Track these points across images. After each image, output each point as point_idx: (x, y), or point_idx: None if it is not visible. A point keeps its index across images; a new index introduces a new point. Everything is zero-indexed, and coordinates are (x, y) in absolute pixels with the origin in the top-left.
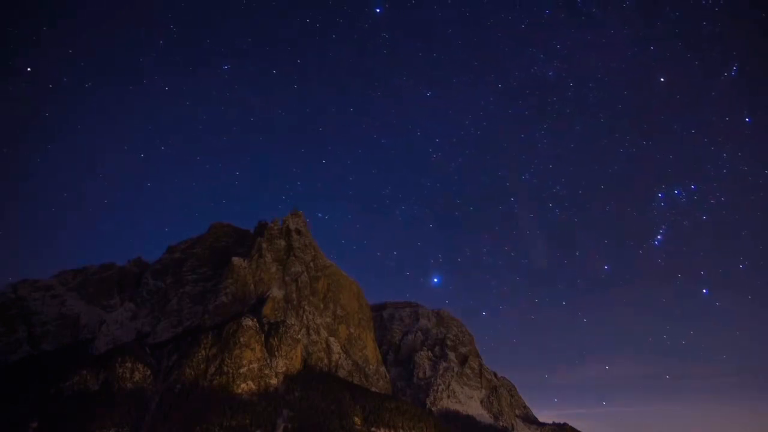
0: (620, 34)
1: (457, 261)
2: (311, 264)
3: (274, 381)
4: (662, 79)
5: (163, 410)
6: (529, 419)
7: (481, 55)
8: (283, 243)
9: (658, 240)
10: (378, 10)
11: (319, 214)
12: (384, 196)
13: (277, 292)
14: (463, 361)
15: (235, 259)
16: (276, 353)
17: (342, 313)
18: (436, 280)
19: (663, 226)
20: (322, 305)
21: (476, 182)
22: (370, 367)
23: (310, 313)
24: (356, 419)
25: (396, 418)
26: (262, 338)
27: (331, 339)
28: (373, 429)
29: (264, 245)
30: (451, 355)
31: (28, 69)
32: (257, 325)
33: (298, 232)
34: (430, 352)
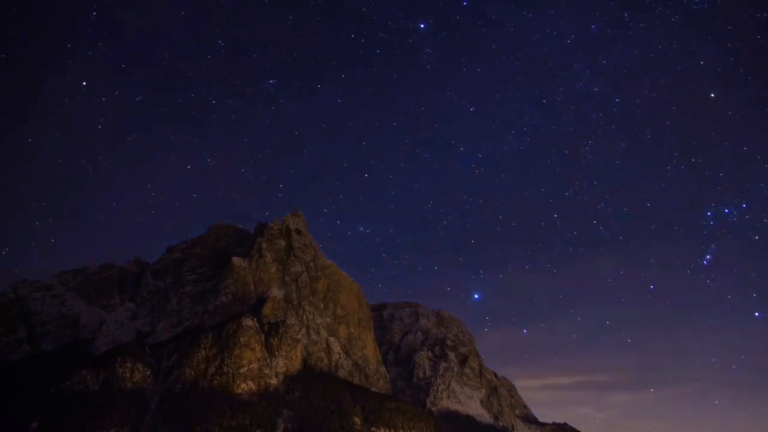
0: (669, 49)
1: (499, 277)
2: (311, 264)
3: (274, 381)
4: (713, 95)
5: (163, 410)
6: (529, 419)
7: (525, 71)
8: (283, 243)
9: (707, 260)
10: (422, 26)
11: (361, 228)
12: (426, 211)
13: (277, 292)
14: (463, 361)
15: (235, 259)
16: (276, 353)
17: (342, 313)
18: (476, 296)
19: (712, 246)
20: (322, 305)
21: (519, 198)
22: (370, 367)
23: (310, 313)
24: (356, 419)
25: (396, 418)
26: (262, 338)
27: (331, 339)
28: (373, 429)
29: (264, 245)
30: (451, 355)
31: (84, 83)
32: (257, 325)
33: (298, 232)
34: (430, 352)
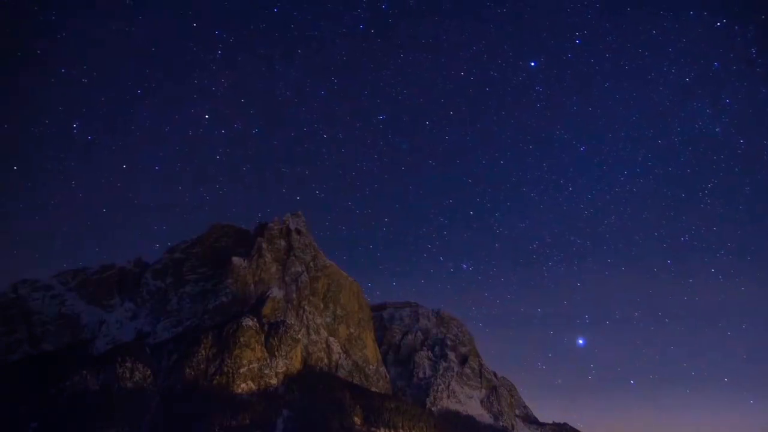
0: None
1: (605, 323)
2: (311, 264)
3: (274, 381)
4: None
5: (163, 410)
6: (529, 419)
7: (640, 110)
8: (283, 243)
9: None
10: (533, 64)
11: (464, 266)
12: (531, 250)
13: (277, 292)
14: (463, 360)
15: (235, 259)
16: (276, 353)
17: (342, 313)
18: (581, 341)
19: None
20: (322, 305)
21: (630, 242)
22: (370, 367)
23: (310, 313)
24: (356, 419)
25: (396, 418)
26: (262, 338)
27: (331, 339)
28: (373, 429)
29: (264, 245)
30: (451, 355)
31: (206, 116)
32: (257, 325)
33: (298, 232)
34: (430, 352)
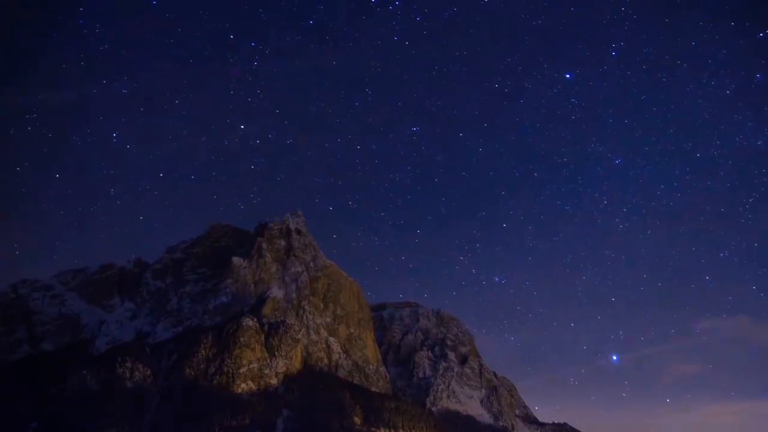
0: None
1: (640, 340)
2: (311, 264)
3: (274, 381)
4: None
5: (163, 410)
6: (529, 419)
7: (678, 123)
8: (283, 243)
9: None
10: (568, 76)
11: (496, 278)
12: (564, 264)
13: (277, 292)
14: (463, 360)
15: (235, 259)
16: (276, 353)
17: (342, 313)
18: (614, 357)
19: None
20: (322, 305)
21: (666, 257)
22: (370, 367)
23: (310, 313)
24: (356, 419)
25: (396, 418)
26: (262, 338)
27: (331, 339)
28: (373, 429)
29: (264, 245)
30: (451, 355)
31: (242, 126)
32: (257, 325)
33: (298, 232)
34: (430, 352)
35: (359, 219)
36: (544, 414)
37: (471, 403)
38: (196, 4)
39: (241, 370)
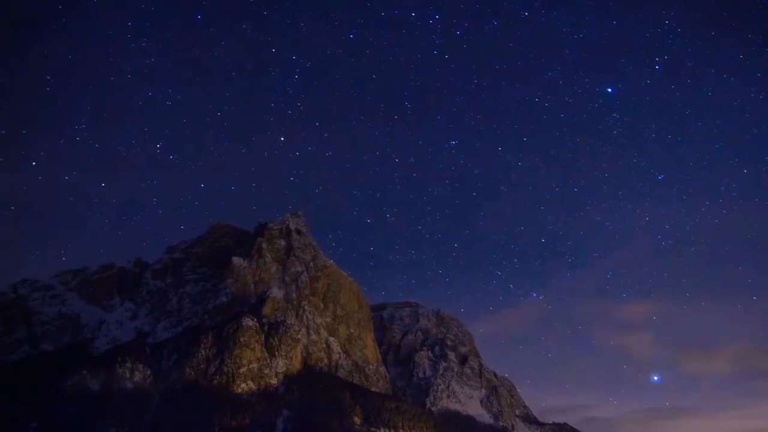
0: None
1: (682, 360)
2: (311, 264)
3: (274, 381)
4: None
5: (163, 410)
6: (529, 419)
7: (725, 138)
8: (283, 243)
9: None
10: (610, 90)
11: (534, 294)
12: (605, 281)
13: (277, 292)
14: (463, 360)
15: (235, 259)
16: (276, 353)
17: (342, 313)
18: (656, 378)
19: None
20: (322, 305)
21: (711, 275)
22: (370, 367)
23: (310, 313)
24: (356, 419)
25: (396, 418)
26: (262, 338)
27: (331, 339)
28: (373, 429)
29: (264, 245)
30: (451, 355)
31: (282, 138)
32: (257, 325)
33: (298, 232)
34: (430, 352)
35: (396, 233)
36: None
37: (471, 403)
38: (239, 18)
39: (241, 370)
